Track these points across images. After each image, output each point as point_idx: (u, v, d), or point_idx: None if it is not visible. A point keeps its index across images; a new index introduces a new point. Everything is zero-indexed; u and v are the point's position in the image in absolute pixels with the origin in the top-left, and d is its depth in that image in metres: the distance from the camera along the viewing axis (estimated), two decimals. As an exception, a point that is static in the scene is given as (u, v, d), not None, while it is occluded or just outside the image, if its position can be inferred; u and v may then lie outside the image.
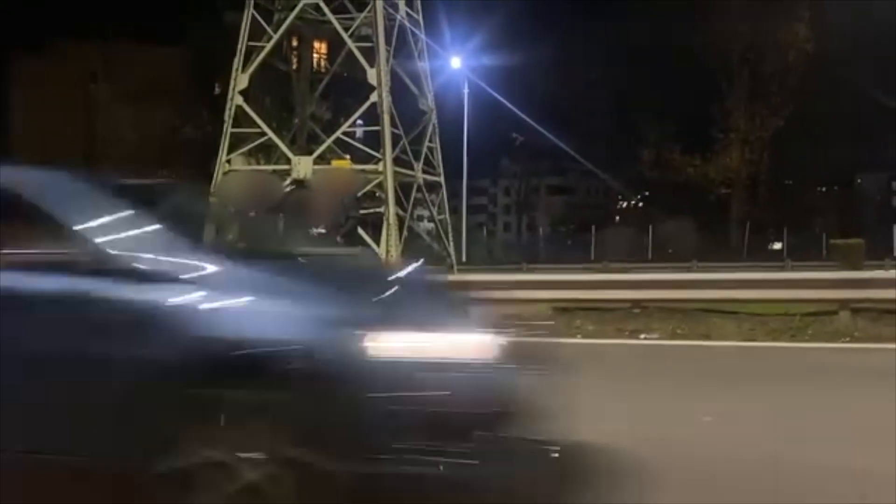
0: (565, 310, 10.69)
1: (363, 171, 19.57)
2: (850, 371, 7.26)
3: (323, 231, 13.45)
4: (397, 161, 20.02)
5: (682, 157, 36.74)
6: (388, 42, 19.85)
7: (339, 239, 13.61)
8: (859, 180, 41.04)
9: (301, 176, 19.46)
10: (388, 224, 19.27)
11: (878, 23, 31.25)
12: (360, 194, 17.48)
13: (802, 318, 9.67)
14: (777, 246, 34.59)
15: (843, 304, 9.68)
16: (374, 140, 20.78)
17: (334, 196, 14.25)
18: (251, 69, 20.07)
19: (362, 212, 17.66)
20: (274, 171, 19.88)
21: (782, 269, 17.61)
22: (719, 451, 4.59)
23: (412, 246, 22.65)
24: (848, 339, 8.52)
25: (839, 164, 37.47)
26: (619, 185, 42.64)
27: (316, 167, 19.34)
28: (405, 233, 20.62)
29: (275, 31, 20.14)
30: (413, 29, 21.13)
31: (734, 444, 4.79)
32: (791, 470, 4.15)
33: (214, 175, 20.15)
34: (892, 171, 33.44)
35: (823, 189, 41.37)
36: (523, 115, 35.27)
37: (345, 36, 19.83)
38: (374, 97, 19.56)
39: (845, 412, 5.55)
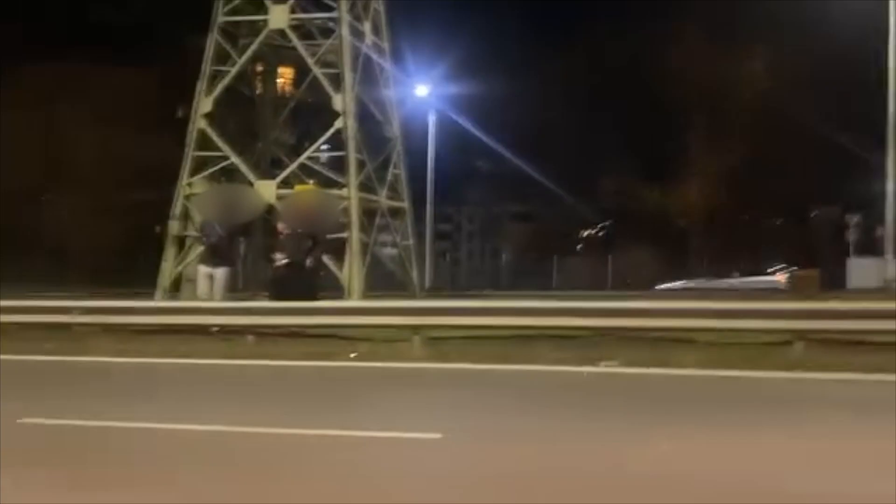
0: (527, 336, 10.74)
1: (329, 195, 19.53)
2: (805, 401, 7.40)
3: (286, 259, 13.38)
4: (362, 187, 20.02)
5: (643, 189, 37.34)
6: (353, 69, 19.93)
7: (308, 263, 13.52)
8: (814, 214, 41.96)
9: (264, 200, 19.36)
10: (352, 249, 19.22)
11: (832, 62, 32.21)
12: (337, 219, 17.48)
13: (759, 348, 9.84)
14: (735, 276, 35.14)
15: (799, 334, 9.87)
16: (339, 165, 20.78)
17: (302, 222, 14.17)
18: (215, 93, 20.00)
19: (329, 237, 17.65)
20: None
21: (739, 299, 17.87)
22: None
23: (375, 272, 22.59)
24: (802, 369, 8.67)
25: (794, 199, 38.34)
26: (581, 214, 43.09)
27: (280, 192, 19.26)
28: (368, 259, 20.57)
29: (240, 56, 20.12)
30: (379, 57, 21.27)
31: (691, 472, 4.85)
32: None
33: (175, 199, 19.94)
34: (846, 206, 34.28)
35: (779, 222, 42.22)
36: (489, 143, 35.62)
37: (310, 62, 19.88)
38: (339, 123, 19.59)
39: (801, 442, 5.65)
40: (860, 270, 27.24)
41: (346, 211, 19.41)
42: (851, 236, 31.40)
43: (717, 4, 33.86)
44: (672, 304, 12.28)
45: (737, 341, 10.09)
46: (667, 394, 7.91)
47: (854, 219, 31.75)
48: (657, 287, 29.90)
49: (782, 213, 41.39)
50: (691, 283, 29.72)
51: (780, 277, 30.45)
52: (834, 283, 26.01)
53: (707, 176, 36.51)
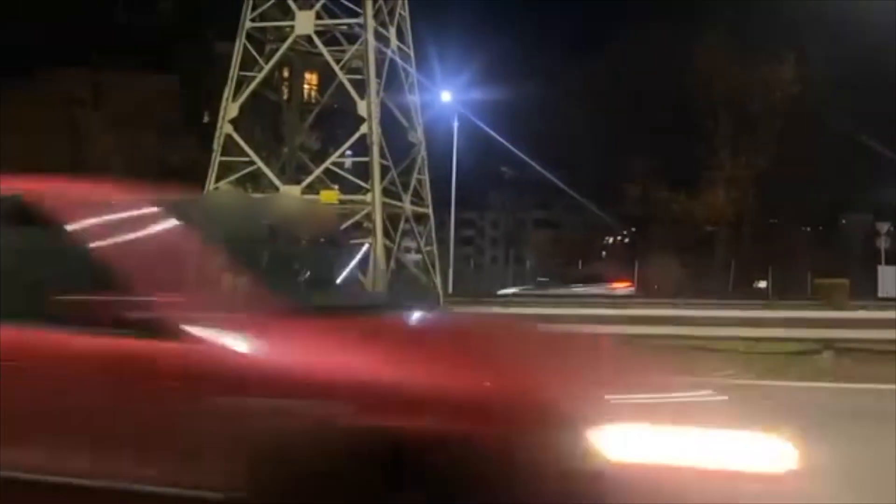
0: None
1: (339, 204, 19.56)
2: (832, 411, 7.26)
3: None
4: (386, 192, 20.05)
5: (668, 194, 37.03)
6: (378, 75, 19.99)
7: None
8: (843, 221, 41.40)
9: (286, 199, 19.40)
10: (376, 255, 19.25)
11: (861, 66, 31.80)
12: (344, 226, 17.54)
13: (786, 357, 9.69)
14: (762, 284, 34.75)
15: (827, 343, 9.71)
16: (363, 171, 20.83)
17: (311, 229, 14.22)
18: (242, 98, 20.14)
19: (352, 241, 17.70)
20: (261, 201, 19.85)
21: (766, 307, 17.66)
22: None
23: (399, 277, 22.60)
24: (831, 378, 8.53)
25: (824, 205, 37.86)
26: (605, 220, 42.89)
27: (303, 196, 19.37)
28: (392, 264, 20.59)
29: (266, 62, 20.24)
30: (403, 62, 21.31)
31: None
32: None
33: (202, 203, 20.07)
34: (876, 213, 33.77)
35: (808, 229, 41.70)
36: (512, 148, 35.58)
37: (336, 68, 19.96)
38: (363, 129, 19.64)
39: (828, 452, 5.53)
40: (891, 279, 26.84)
41: (369, 216, 19.46)
42: (882, 244, 30.91)
43: (744, 8, 33.57)
44: (700, 312, 12.15)
45: (764, 350, 9.95)
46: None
47: (885, 227, 31.24)
48: (499, 292, 30.31)
49: (811, 219, 40.89)
50: (521, 290, 30.17)
51: (614, 286, 30.39)
52: (863, 291, 25.62)
53: (734, 182, 36.14)
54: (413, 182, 21.45)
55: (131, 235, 2.49)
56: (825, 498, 2.22)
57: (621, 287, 30.50)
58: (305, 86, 24.75)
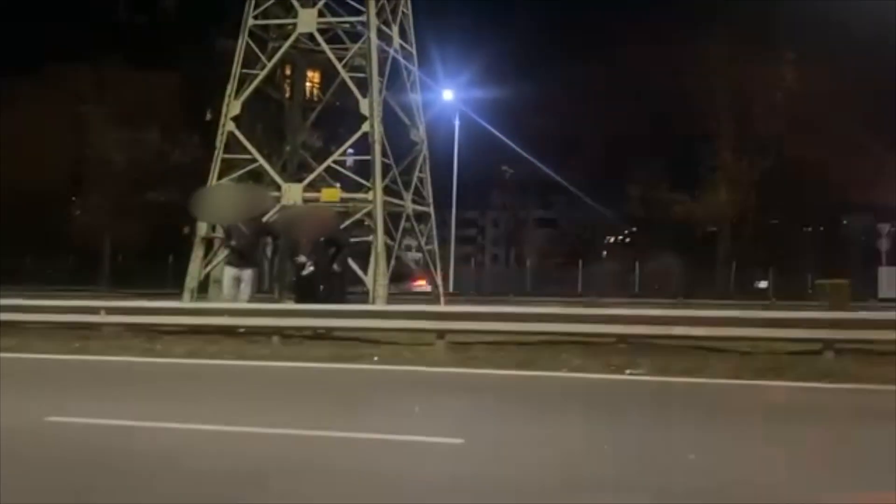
0: (551, 343, 10.69)
1: (340, 202, 19.52)
2: (833, 411, 7.27)
3: (311, 263, 13.44)
4: (387, 190, 20.03)
5: (670, 195, 37.05)
6: (381, 73, 19.97)
7: (335, 267, 13.58)
8: (845, 221, 41.41)
9: (290, 203, 19.44)
10: (377, 253, 19.25)
11: (862, 65, 31.77)
12: (344, 225, 17.52)
13: (788, 357, 9.70)
14: (763, 285, 34.75)
15: (828, 343, 9.73)
16: (364, 169, 20.82)
17: (312, 230, 14.25)
18: (244, 96, 20.12)
19: (353, 240, 17.68)
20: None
21: (767, 307, 17.67)
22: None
23: (400, 275, 22.60)
24: (831, 379, 8.54)
25: (825, 206, 37.85)
26: (606, 220, 42.90)
27: (305, 194, 19.36)
28: (393, 262, 20.58)
29: (269, 59, 20.22)
30: (406, 61, 21.30)
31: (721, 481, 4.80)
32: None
33: (204, 200, 20.09)
34: (878, 214, 33.73)
35: (809, 229, 41.69)
36: (514, 147, 35.61)
37: (338, 66, 19.93)
38: (365, 127, 19.63)
39: (827, 451, 5.56)
40: (892, 280, 26.86)
41: (370, 214, 19.46)
42: (883, 245, 30.92)
43: (747, 9, 33.56)
44: (699, 313, 12.16)
45: (766, 350, 9.96)
46: (693, 403, 7.81)
47: (886, 228, 31.26)
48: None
49: (812, 220, 40.87)
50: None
51: (417, 284, 30.12)
52: (864, 292, 25.62)
53: (735, 182, 36.15)
54: (414, 180, 21.44)
55: None
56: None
57: (421, 285, 29.94)
58: (308, 84, 24.74)
